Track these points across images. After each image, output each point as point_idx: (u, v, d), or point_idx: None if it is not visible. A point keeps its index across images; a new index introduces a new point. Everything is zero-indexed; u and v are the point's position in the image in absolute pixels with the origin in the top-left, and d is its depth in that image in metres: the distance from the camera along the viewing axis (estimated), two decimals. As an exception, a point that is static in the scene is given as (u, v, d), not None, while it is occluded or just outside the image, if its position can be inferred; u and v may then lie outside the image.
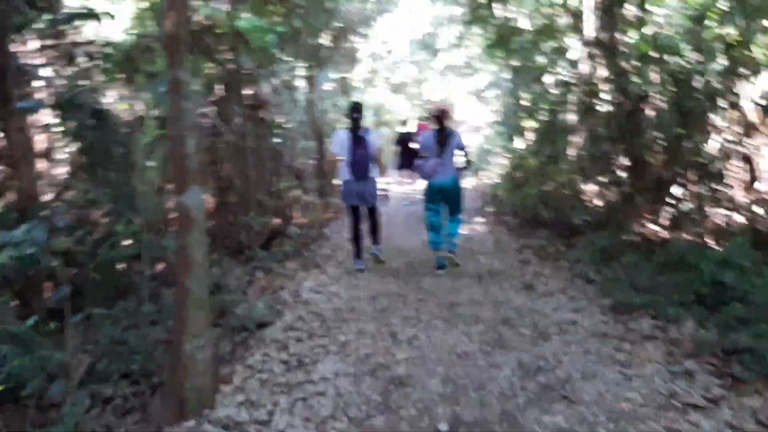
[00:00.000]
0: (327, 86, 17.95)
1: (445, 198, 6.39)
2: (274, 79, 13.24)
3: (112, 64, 6.66)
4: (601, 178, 8.02)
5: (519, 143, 13.24)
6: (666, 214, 7.18)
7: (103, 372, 3.53)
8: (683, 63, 7.30)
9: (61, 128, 5.47)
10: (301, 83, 12.50)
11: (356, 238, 6.66)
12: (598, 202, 7.73)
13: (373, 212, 6.69)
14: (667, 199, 7.09)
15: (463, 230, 8.48)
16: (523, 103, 12.83)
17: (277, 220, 9.74)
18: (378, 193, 6.68)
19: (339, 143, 6.47)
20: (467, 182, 14.85)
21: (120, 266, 5.00)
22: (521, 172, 9.44)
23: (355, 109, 6.56)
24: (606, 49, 8.50)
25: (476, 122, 35.49)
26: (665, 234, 6.96)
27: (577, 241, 6.90)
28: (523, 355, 3.80)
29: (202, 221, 3.26)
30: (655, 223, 7.19)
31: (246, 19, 9.71)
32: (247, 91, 10.68)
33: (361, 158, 6.34)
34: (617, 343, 3.98)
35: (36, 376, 3.10)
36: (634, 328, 4.21)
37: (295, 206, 10.44)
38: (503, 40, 10.66)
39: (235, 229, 8.23)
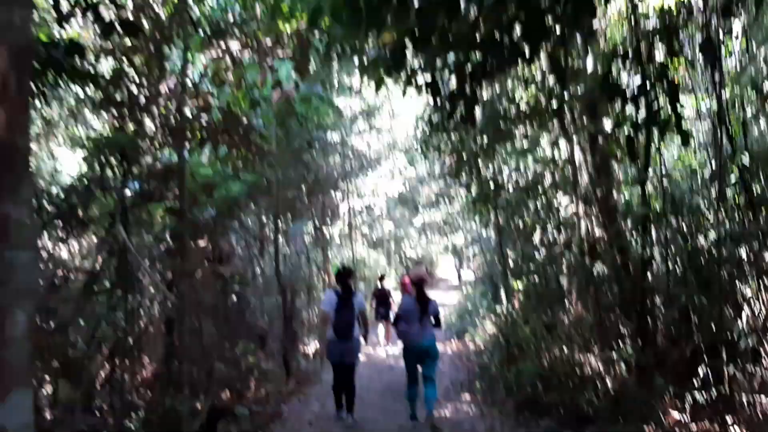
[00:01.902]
0: (302, 240, 17.12)
1: (421, 359, 6.72)
2: (240, 232, 12.34)
3: None
4: (607, 353, 6.85)
5: (506, 306, 12.15)
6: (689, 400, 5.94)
7: None
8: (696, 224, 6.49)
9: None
10: (272, 236, 11.55)
11: (339, 392, 6.94)
12: (609, 382, 6.46)
13: (350, 371, 6.85)
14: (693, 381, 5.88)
15: (448, 412, 7.09)
16: (510, 262, 11.95)
17: (226, 396, 8.24)
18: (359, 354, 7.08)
19: (327, 303, 6.80)
20: (449, 346, 13.49)
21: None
22: (513, 341, 8.21)
23: (347, 274, 7.06)
24: (602, 207, 7.72)
25: (455, 281, 34.73)
26: (694, 426, 5.66)
27: (586, 428, 5.55)
28: None
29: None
30: (679, 410, 5.91)
31: (209, 167, 8.91)
32: (205, 244, 9.67)
33: (348, 319, 6.66)
34: None
35: None
36: None
37: (251, 376, 8.97)
38: (488, 196, 9.98)
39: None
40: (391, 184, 23.56)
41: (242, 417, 6.75)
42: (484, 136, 9.57)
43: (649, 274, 6.98)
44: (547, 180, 10.19)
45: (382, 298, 13.14)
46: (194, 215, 8.48)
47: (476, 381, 8.69)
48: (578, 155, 8.99)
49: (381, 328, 13.52)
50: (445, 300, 25.93)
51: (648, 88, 5.40)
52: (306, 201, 15.48)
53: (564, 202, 9.68)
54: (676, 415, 5.76)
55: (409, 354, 6.76)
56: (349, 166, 18.38)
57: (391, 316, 7.51)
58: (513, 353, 7.89)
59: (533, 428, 5.98)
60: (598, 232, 7.69)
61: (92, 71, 6.57)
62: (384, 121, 21.84)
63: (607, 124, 8.00)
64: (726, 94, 6.50)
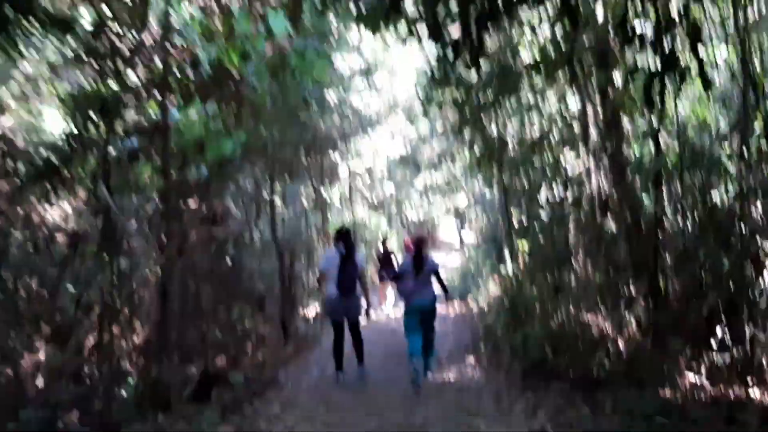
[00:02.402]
0: (301, 202, 16.75)
1: (421, 318, 6.77)
2: (236, 193, 11.96)
3: None
4: (619, 314, 6.53)
5: (510, 267, 11.84)
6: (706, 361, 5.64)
7: None
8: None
9: None
10: (270, 198, 11.18)
11: (339, 352, 6.90)
12: (621, 345, 6.16)
13: (356, 326, 6.94)
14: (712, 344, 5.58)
15: (452, 375, 6.83)
16: (514, 222, 11.59)
17: (221, 362, 7.99)
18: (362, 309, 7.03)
19: (328, 260, 6.85)
20: (452, 308, 13.24)
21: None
22: (519, 303, 7.90)
23: (346, 232, 7.15)
24: (612, 163, 7.30)
25: (458, 242, 34.46)
26: (711, 389, 5.37)
27: (603, 397, 5.26)
28: None
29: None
30: (696, 372, 5.62)
31: (198, 124, 8.47)
32: (197, 205, 9.30)
33: (350, 275, 6.67)
34: None
35: None
36: None
37: (248, 341, 8.71)
38: (492, 153, 9.55)
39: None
40: (392, 146, 23.06)
41: (237, 384, 6.48)
42: (489, 90, 9.10)
43: (661, 231, 6.64)
44: (555, 136, 9.76)
45: (386, 259, 13.36)
46: (184, 175, 8.09)
47: (481, 343, 8.42)
48: (588, 109, 8.56)
49: (381, 291, 13.49)
50: (448, 262, 25.72)
51: (666, 31, 4.96)
52: (304, 162, 15.04)
53: (572, 159, 9.27)
54: (692, 377, 5.48)
55: (410, 312, 6.83)
56: (348, 127, 17.85)
57: None
58: (519, 315, 7.58)
59: (541, 393, 5.70)
60: (607, 188, 7.29)
61: (69, 18, 6.11)
62: (383, 79, 21.23)
63: (618, 76, 7.54)
64: (750, 41, 6.04)
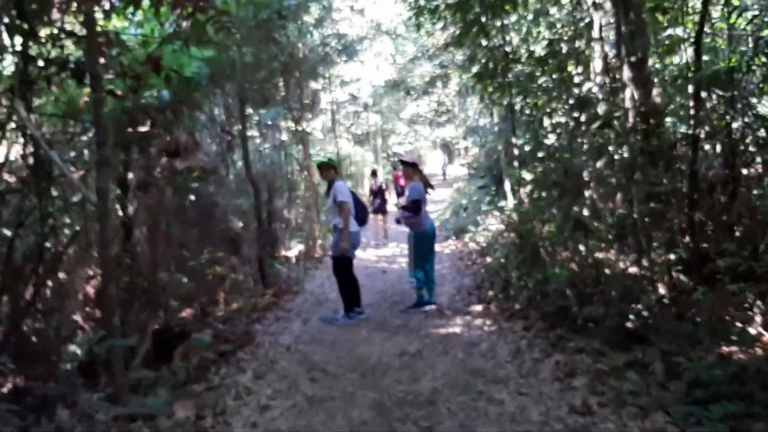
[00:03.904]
0: (279, 133, 15.42)
1: (431, 243, 6.99)
2: (205, 123, 10.63)
3: None
4: (659, 254, 5.48)
5: (512, 201, 10.75)
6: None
7: None
8: None
9: None
10: (242, 127, 9.84)
11: (357, 287, 6.67)
12: (662, 290, 5.14)
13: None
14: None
15: (458, 328, 5.83)
16: (515, 150, 10.42)
17: (187, 312, 6.92)
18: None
19: (349, 194, 6.58)
20: (446, 246, 12.23)
21: None
22: (531, 241, 6.82)
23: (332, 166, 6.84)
24: (636, 76, 6.06)
25: (443, 177, 33.36)
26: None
27: (649, 356, 4.26)
28: None
29: None
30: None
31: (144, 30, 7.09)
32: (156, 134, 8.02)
33: (364, 208, 6.91)
34: None
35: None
36: None
37: (219, 288, 7.61)
38: (495, 69, 8.26)
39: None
40: (378, 72, 21.53)
41: (202, 342, 5.40)
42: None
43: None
44: (567, 47, 8.50)
45: (378, 192, 13.42)
46: (138, 99, 6.75)
47: (487, 288, 7.40)
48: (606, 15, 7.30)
49: (375, 223, 12.81)
50: (435, 196, 24.68)
51: None
52: (281, 87, 13.61)
53: (589, 73, 8.05)
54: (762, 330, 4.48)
55: (428, 238, 6.88)
56: (329, 50, 16.30)
57: (389, 209, 6.85)
58: (534, 255, 6.52)
59: (571, 350, 4.68)
60: (629, 105, 6.10)
61: None
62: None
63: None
64: None
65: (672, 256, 5.10)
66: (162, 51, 7.10)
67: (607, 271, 5.56)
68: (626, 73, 5.71)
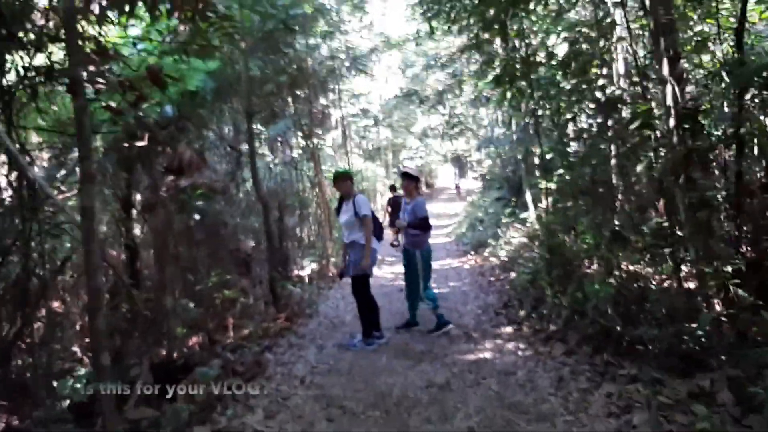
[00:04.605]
0: (289, 149, 15.00)
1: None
2: (212, 139, 10.23)
3: None
4: (715, 268, 4.93)
5: (534, 212, 10.22)
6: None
7: None
8: None
9: None
10: (249, 142, 9.41)
11: (376, 308, 6.15)
12: (719, 307, 4.58)
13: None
14: None
15: (488, 353, 5.31)
16: (537, 158, 9.93)
17: (193, 340, 6.44)
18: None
19: (369, 208, 6.07)
20: (465, 261, 11.70)
21: None
22: (562, 255, 6.29)
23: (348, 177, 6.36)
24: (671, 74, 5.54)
25: (455, 190, 32.85)
26: None
27: (712, 382, 3.71)
28: None
29: None
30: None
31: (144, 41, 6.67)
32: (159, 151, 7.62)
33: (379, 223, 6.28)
34: None
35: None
36: None
37: (228, 314, 7.12)
38: (515, 72, 7.76)
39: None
40: (387, 86, 21.17)
41: (207, 376, 4.90)
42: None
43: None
44: (590, 48, 8.00)
45: (395, 206, 13.26)
46: (138, 114, 6.33)
47: (516, 306, 6.85)
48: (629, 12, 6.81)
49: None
50: (447, 210, 24.13)
51: None
52: (290, 102, 13.22)
53: (614, 75, 7.56)
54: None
55: (431, 255, 6.47)
56: (338, 64, 15.92)
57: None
58: (570, 270, 5.97)
59: (622, 378, 4.13)
60: (671, 102, 5.58)
61: None
62: (375, 12, 19.17)
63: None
64: None
65: (728, 268, 4.54)
66: (161, 63, 6.67)
67: (652, 286, 5.00)
68: (665, 69, 5.19)
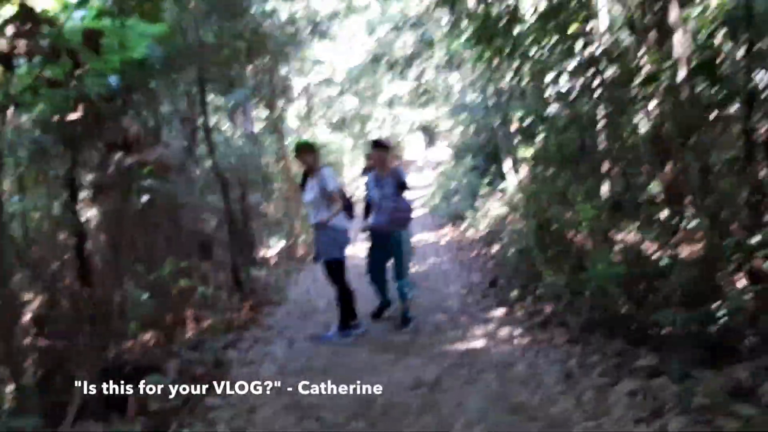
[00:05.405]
0: (251, 122, 14.12)
1: None
2: (161, 112, 9.34)
3: None
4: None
5: (514, 181, 9.67)
6: None
7: None
8: None
9: None
10: (204, 114, 8.58)
11: (352, 296, 5.49)
12: (738, 283, 4.06)
13: None
14: None
15: (481, 341, 4.73)
16: (514, 124, 9.34)
17: (148, 336, 5.72)
18: None
19: (337, 182, 5.47)
20: (442, 235, 11.13)
21: None
22: (555, 228, 5.72)
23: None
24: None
25: (424, 161, 32.26)
26: None
27: (753, 376, 3.18)
28: None
29: None
30: None
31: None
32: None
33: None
34: None
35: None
36: None
37: (186, 306, 6.40)
38: (495, 28, 7.10)
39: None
40: (352, 53, 20.28)
41: (162, 382, 4.22)
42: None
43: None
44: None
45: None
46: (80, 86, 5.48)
47: (504, 285, 6.28)
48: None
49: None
50: (419, 181, 23.50)
51: None
52: (249, 71, 12.32)
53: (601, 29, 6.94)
54: None
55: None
56: (298, 28, 14.98)
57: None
58: (565, 245, 5.40)
59: (642, 371, 3.58)
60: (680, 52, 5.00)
61: None
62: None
63: None
64: None
65: (754, 240, 4.00)
66: (100, 26, 5.78)
67: (663, 261, 4.45)
68: (673, 15, 4.58)
